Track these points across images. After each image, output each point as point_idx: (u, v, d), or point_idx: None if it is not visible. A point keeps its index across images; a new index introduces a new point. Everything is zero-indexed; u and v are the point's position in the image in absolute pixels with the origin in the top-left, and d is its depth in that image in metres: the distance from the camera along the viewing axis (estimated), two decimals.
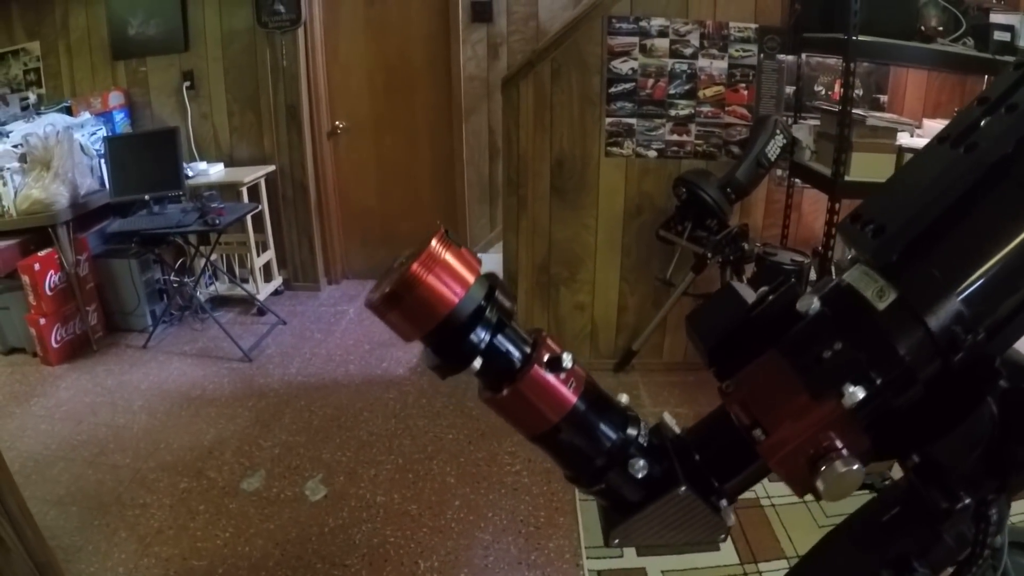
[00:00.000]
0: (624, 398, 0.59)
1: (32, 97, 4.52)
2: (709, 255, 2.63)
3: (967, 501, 0.51)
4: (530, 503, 2.49)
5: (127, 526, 2.43)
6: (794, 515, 2.35)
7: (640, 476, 0.55)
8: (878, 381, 0.47)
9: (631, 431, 0.56)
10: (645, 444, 0.57)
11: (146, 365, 3.65)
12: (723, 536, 0.57)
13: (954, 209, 0.48)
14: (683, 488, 0.55)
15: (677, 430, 0.61)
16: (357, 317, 4.18)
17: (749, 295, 0.58)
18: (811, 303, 0.51)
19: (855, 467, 0.48)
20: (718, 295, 0.60)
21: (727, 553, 2.19)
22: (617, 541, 0.57)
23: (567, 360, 0.53)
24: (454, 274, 0.48)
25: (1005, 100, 0.49)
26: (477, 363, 0.50)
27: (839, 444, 0.49)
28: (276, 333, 3.99)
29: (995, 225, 0.49)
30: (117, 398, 3.31)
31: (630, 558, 2.18)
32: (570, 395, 0.53)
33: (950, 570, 0.58)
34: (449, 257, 0.48)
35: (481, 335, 0.50)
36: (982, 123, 0.50)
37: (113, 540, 2.36)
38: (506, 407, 0.53)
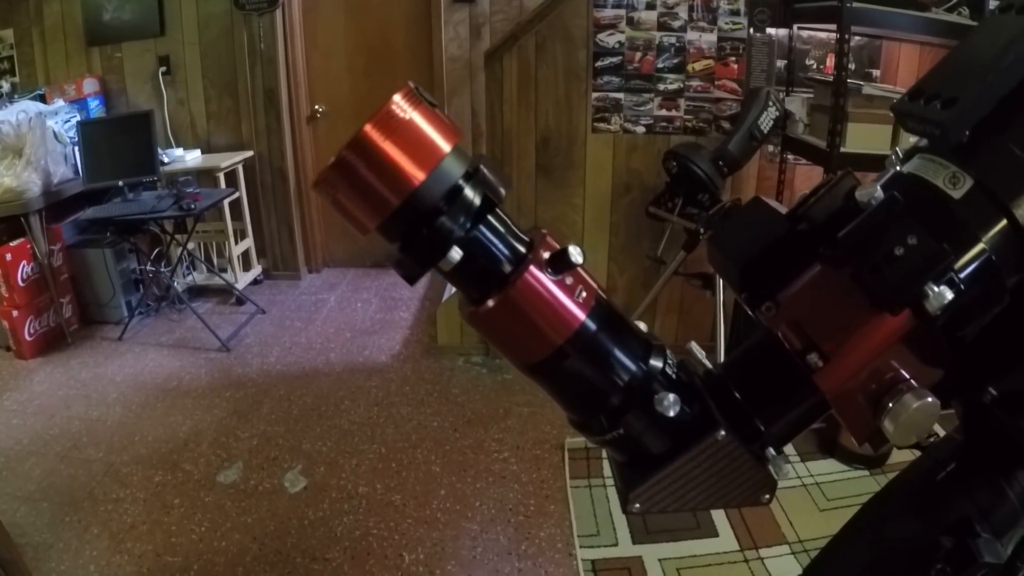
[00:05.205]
0: (643, 326, 0.47)
1: (5, 86, 4.39)
2: (701, 230, 2.54)
3: None
4: (519, 491, 2.39)
5: (99, 522, 2.33)
6: (795, 499, 2.27)
7: (672, 413, 0.43)
8: (962, 285, 0.38)
9: (655, 361, 0.44)
10: (673, 378, 0.45)
11: (121, 357, 3.53)
12: (768, 496, 0.46)
13: None
14: (722, 432, 0.43)
15: (708, 364, 0.50)
16: (338, 305, 4.07)
17: (779, 206, 0.48)
18: (874, 191, 0.41)
19: (929, 400, 0.39)
20: (745, 209, 0.50)
21: (726, 539, 2.10)
22: (637, 506, 0.46)
23: (575, 254, 0.40)
24: (422, 140, 0.37)
25: None
26: (455, 254, 0.38)
27: (906, 374, 0.40)
28: (255, 322, 3.88)
29: None
30: (91, 391, 3.20)
31: (625, 546, 2.09)
32: (578, 309, 0.41)
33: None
34: (417, 117, 0.37)
35: (459, 219, 0.38)
36: None
37: (85, 537, 2.26)
38: (493, 323, 0.41)
